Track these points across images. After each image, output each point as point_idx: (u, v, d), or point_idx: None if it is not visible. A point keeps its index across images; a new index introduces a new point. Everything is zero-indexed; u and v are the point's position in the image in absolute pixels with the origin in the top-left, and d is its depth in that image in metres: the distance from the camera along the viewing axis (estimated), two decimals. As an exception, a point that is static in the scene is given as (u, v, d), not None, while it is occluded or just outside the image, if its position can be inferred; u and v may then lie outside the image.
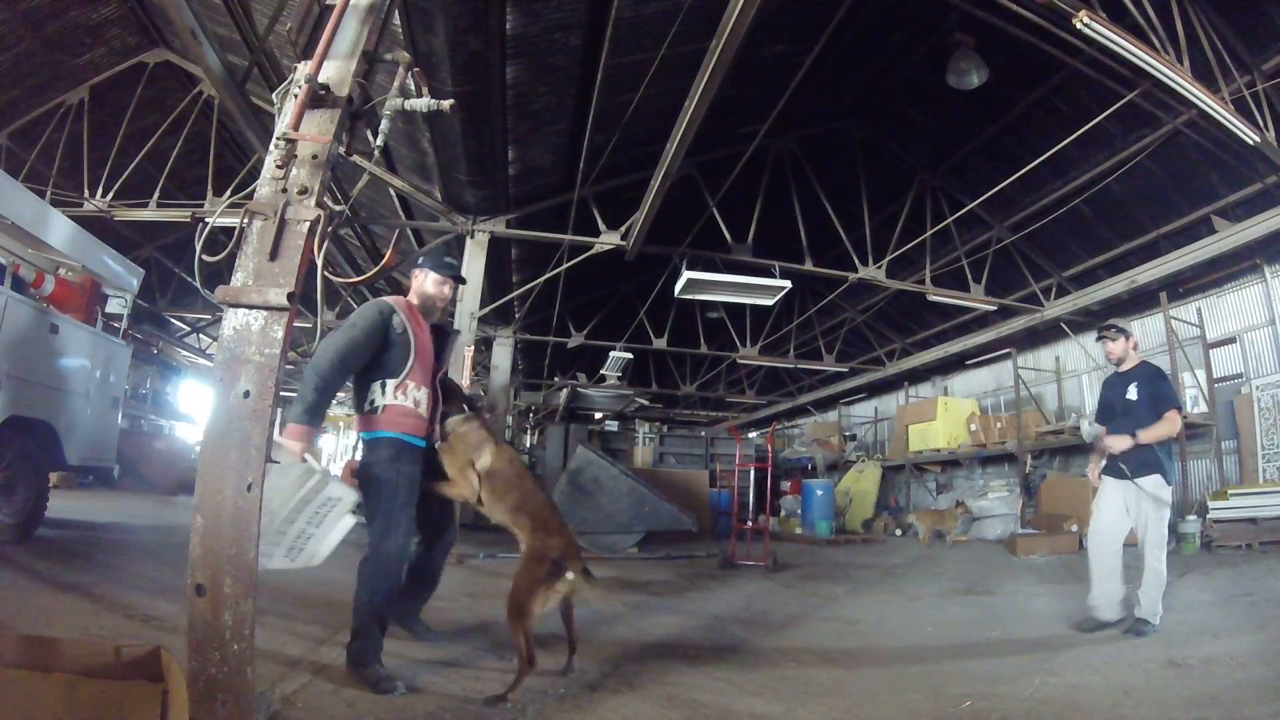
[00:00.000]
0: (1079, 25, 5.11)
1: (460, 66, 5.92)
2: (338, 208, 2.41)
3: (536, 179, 8.41)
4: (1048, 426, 10.85)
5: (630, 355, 14.38)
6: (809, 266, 9.59)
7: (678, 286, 9.07)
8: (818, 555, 9.10)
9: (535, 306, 11.96)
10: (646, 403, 17.87)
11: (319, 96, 2.32)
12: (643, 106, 6.81)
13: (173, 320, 15.86)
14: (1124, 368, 4.25)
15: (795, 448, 17.48)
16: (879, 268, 9.84)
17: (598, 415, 16.74)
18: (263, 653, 2.35)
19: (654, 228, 7.83)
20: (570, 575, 2.79)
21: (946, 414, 12.66)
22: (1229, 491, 7.37)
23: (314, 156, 2.28)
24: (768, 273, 9.37)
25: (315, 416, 2.66)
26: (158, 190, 8.97)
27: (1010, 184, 8.36)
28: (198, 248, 2.32)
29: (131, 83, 8.88)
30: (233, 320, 2.11)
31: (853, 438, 17.26)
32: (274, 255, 2.15)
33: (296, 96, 2.28)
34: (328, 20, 2.43)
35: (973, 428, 12.12)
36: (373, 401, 2.89)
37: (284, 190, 2.22)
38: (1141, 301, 9.82)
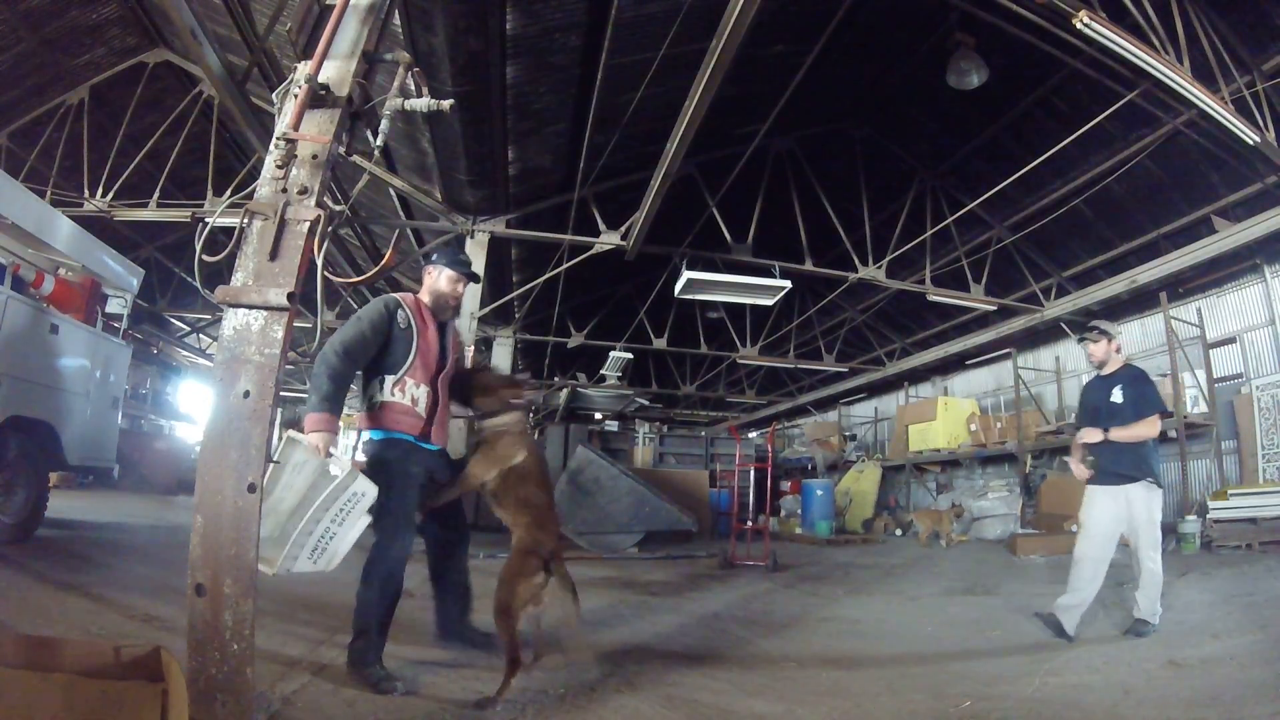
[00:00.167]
0: (1079, 25, 5.11)
1: (460, 66, 5.92)
2: (338, 208, 2.41)
3: (536, 179, 8.41)
4: (1048, 426, 10.85)
5: (630, 355, 14.39)
6: (809, 266, 9.59)
7: (678, 286, 9.07)
8: (818, 555, 9.10)
9: (535, 306, 11.97)
10: (646, 403, 17.87)
11: (319, 96, 2.33)
12: (643, 106, 6.81)
13: (173, 320, 15.86)
14: (1106, 371, 4.15)
15: (795, 448, 17.48)
16: (879, 268, 9.84)
17: (598, 415, 16.74)
18: (262, 653, 2.35)
19: (654, 228, 7.83)
20: (548, 577, 2.78)
21: (946, 414, 12.66)
22: (1229, 491, 7.36)
23: (314, 156, 2.28)
24: (768, 273, 9.37)
25: (334, 405, 2.66)
26: (158, 190, 8.98)
27: (1010, 184, 8.36)
28: (198, 248, 2.33)
29: (131, 83, 8.88)
30: (233, 320, 2.11)
31: (853, 438, 17.25)
32: (274, 255, 2.16)
33: (296, 96, 2.28)
34: (328, 20, 2.44)
35: (973, 428, 12.12)
36: (373, 398, 2.89)
37: (284, 190, 2.22)
38: (1141, 301, 9.83)
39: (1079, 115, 7.57)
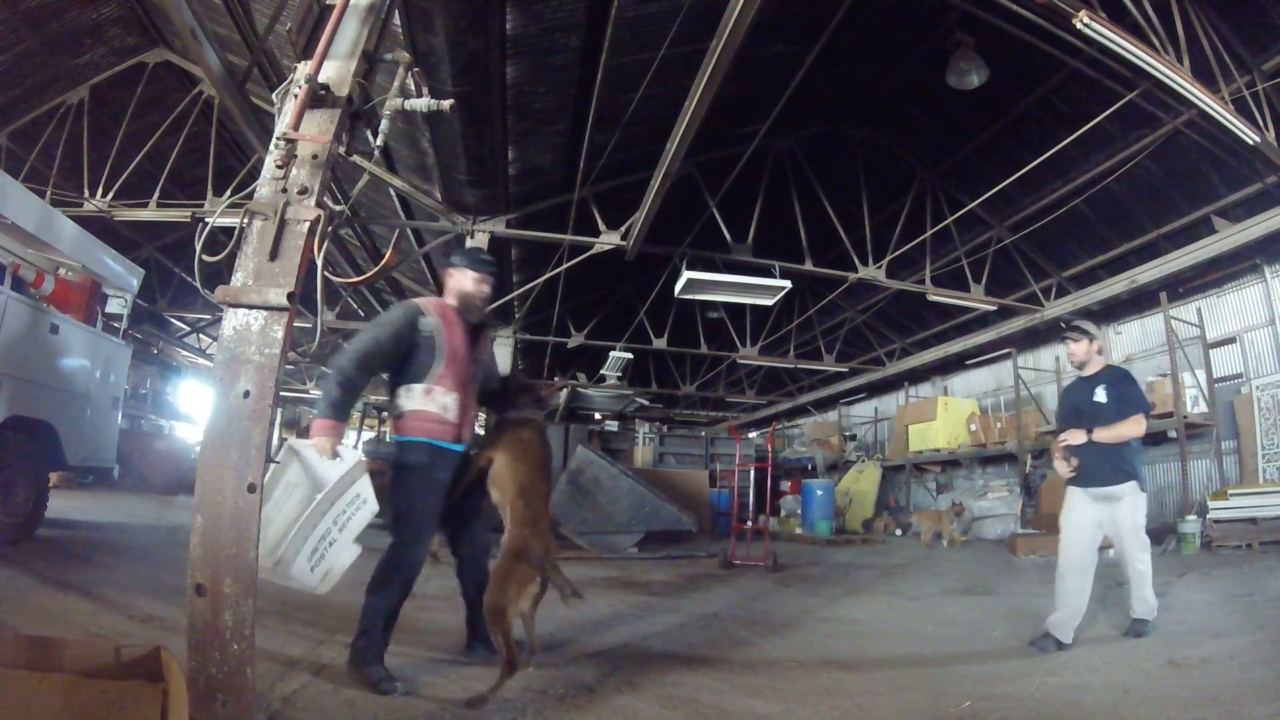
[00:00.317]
0: (1079, 25, 5.11)
1: (460, 66, 5.92)
2: (338, 208, 2.41)
3: (536, 179, 8.41)
4: (1048, 426, 10.84)
5: (630, 355, 14.38)
6: (809, 266, 9.59)
7: (678, 286, 9.07)
8: (818, 555, 9.10)
9: (535, 306, 11.96)
10: (646, 403, 17.86)
11: (319, 96, 2.32)
12: (643, 106, 6.81)
13: (173, 320, 15.86)
14: (1087, 371, 4.03)
15: (795, 448, 17.48)
16: (879, 268, 9.84)
17: (598, 415, 16.74)
18: (262, 653, 2.35)
19: (654, 228, 7.83)
20: (536, 585, 2.78)
21: (946, 414, 12.66)
22: (1229, 491, 7.36)
23: (314, 156, 2.28)
24: (768, 273, 9.37)
25: (340, 411, 2.66)
26: (158, 190, 8.98)
27: (1010, 184, 8.36)
28: (198, 248, 2.33)
29: (131, 83, 8.88)
30: (233, 320, 2.11)
31: (853, 438, 17.26)
32: (274, 255, 2.16)
33: (296, 96, 2.28)
34: (328, 20, 2.44)
35: (973, 428, 12.13)
36: (401, 406, 2.86)
37: (284, 190, 2.22)
38: (1141, 301, 9.82)
39: (1079, 115, 7.57)
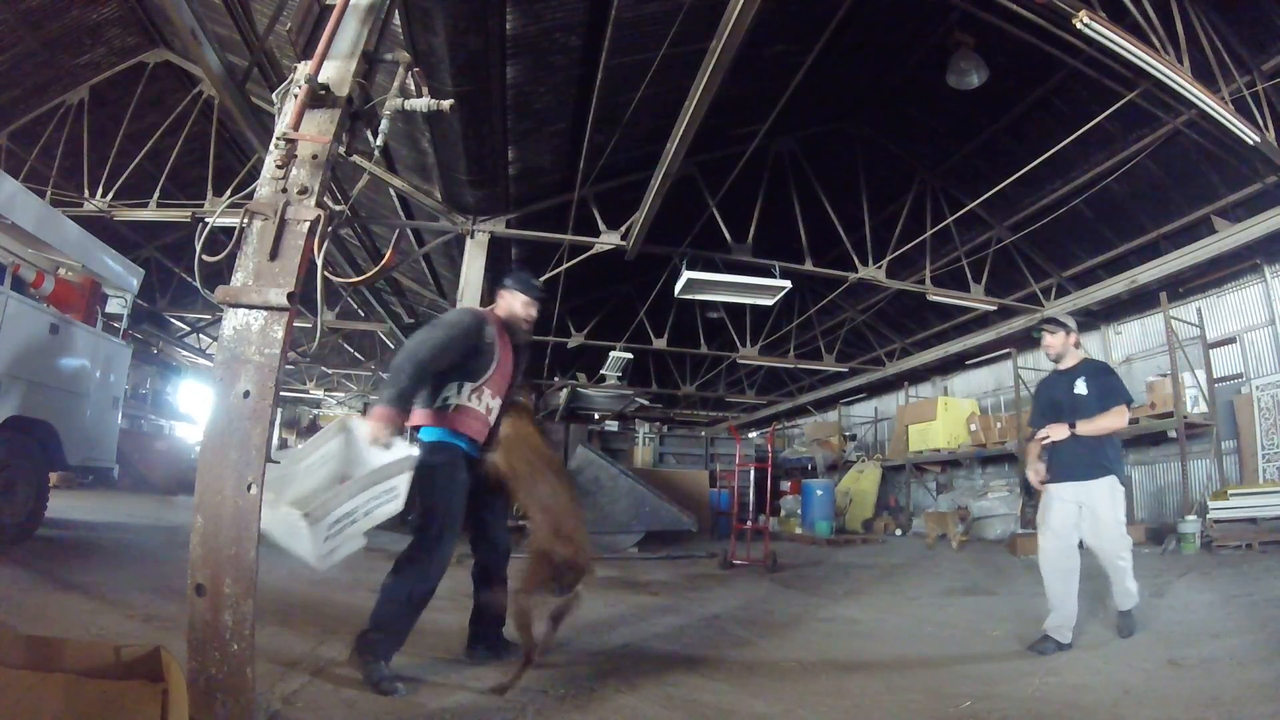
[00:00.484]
0: (1079, 25, 5.11)
1: (460, 66, 5.92)
2: (338, 208, 2.41)
3: (536, 179, 8.40)
4: (1048, 427, 10.83)
5: (630, 355, 14.38)
6: (809, 266, 9.58)
7: (678, 286, 9.07)
8: (818, 555, 9.10)
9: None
10: (646, 403, 17.87)
11: (319, 96, 2.32)
12: (643, 106, 6.80)
13: (173, 320, 15.86)
14: (1063, 365, 3.95)
15: (795, 448, 17.48)
16: (879, 268, 9.84)
17: (598, 415, 16.74)
18: (262, 653, 2.35)
19: (654, 228, 7.83)
20: (578, 589, 2.82)
21: (946, 414, 12.66)
22: (1229, 491, 7.36)
23: (314, 156, 2.28)
24: (768, 273, 9.37)
25: (405, 402, 2.70)
26: (158, 190, 8.97)
27: (1010, 184, 8.36)
28: (198, 248, 2.33)
29: (131, 83, 8.88)
30: (233, 320, 2.11)
31: (853, 438, 17.26)
32: (274, 255, 2.16)
33: (296, 96, 2.28)
34: (328, 20, 2.44)
35: (973, 428, 12.12)
36: (446, 399, 2.91)
37: (284, 190, 2.22)
38: (1141, 301, 9.82)
39: (1079, 115, 7.57)
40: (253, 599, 1.95)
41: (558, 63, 6.52)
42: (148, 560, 5.20)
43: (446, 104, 2.70)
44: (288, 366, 2.24)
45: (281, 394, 2.17)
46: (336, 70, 2.41)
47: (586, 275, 10.49)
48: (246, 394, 2.05)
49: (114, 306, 6.79)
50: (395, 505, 2.53)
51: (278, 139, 2.25)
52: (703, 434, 17.11)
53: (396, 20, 5.20)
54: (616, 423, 17.17)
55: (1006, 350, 12.07)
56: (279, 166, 2.24)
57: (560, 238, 8.79)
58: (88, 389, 5.95)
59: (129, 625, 3.20)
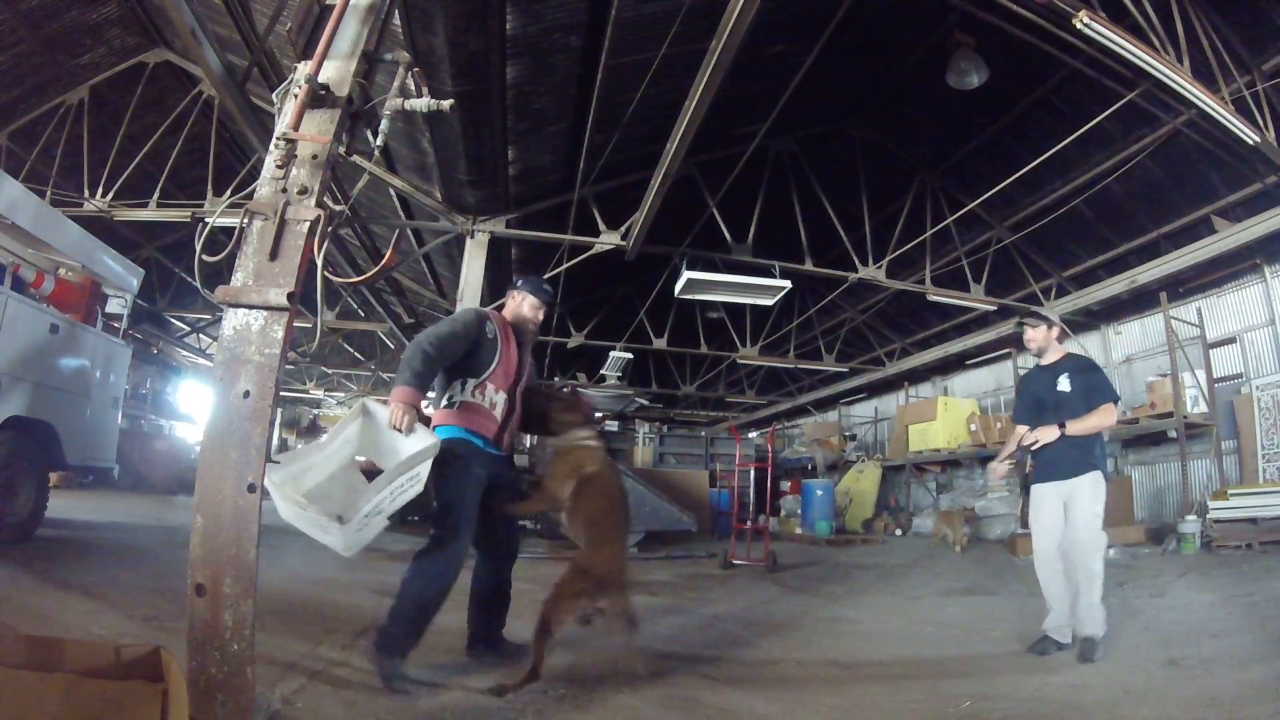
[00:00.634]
0: (1079, 25, 5.11)
1: (460, 66, 5.92)
2: (338, 208, 2.41)
3: (536, 179, 8.41)
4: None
5: (630, 355, 14.38)
6: (809, 266, 9.58)
7: (678, 286, 9.07)
8: (818, 555, 9.10)
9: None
10: (646, 403, 17.86)
11: (319, 96, 2.32)
12: (643, 106, 6.81)
13: (173, 320, 15.86)
14: (1046, 360, 3.83)
15: (795, 448, 17.47)
16: (879, 268, 9.84)
17: (598, 415, 16.73)
18: (262, 653, 2.35)
19: (654, 228, 7.83)
20: (601, 604, 2.85)
21: (946, 414, 12.65)
22: (1229, 491, 7.36)
23: (314, 156, 2.28)
24: (768, 273, 9.37)
25: (423, 382, 2.76)
26: (158, 190, 8.98)
27: (1010, 184, 8.37)
28: (198, 248, 2.33)
29: (131, 83, 8.88)
30: (233, 320, 2.11)
31: (853, 438, 17.26)
32: (274, 255, 2.16)
33: (296, 96, 2.28)
34: (328, 20, 2.43)
35: (973, 428, 12.11)
36: (451, 397, 2.98)
37: (284, 190, 2.22)
38: (1141, 301, 9.82)
39: (1079, 115, 7.57)
40: (253, 599, 1.95)
41: (558, 63, 6.52)
42: (148, 560, 5.20)
43: (446, 104, 2.70)
44: (288, 366, 2.24)
45: (281, 394, 2.17)
46: (336, 70, 2.41)
47: (586, 275, 10.50)
48: (246, 394, 2.05)
49: (114, 306, 6.79)
50: (417, 488, 2.56)
51: (278, 139, 2.25)
52: (703, 434, 17.09)
53: (396, 20, 5.20)
54: (616, 423, 17.17)
55: (1006, 350, 12.08)
56: (279, 166, 2.24)
57: (560, 238, 8.79)
58: (88, 389, 5.95)
59: (129, 625, 3.20)
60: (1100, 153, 8.65)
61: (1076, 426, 3.53)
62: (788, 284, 9.24)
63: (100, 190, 8.74)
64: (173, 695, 1.65)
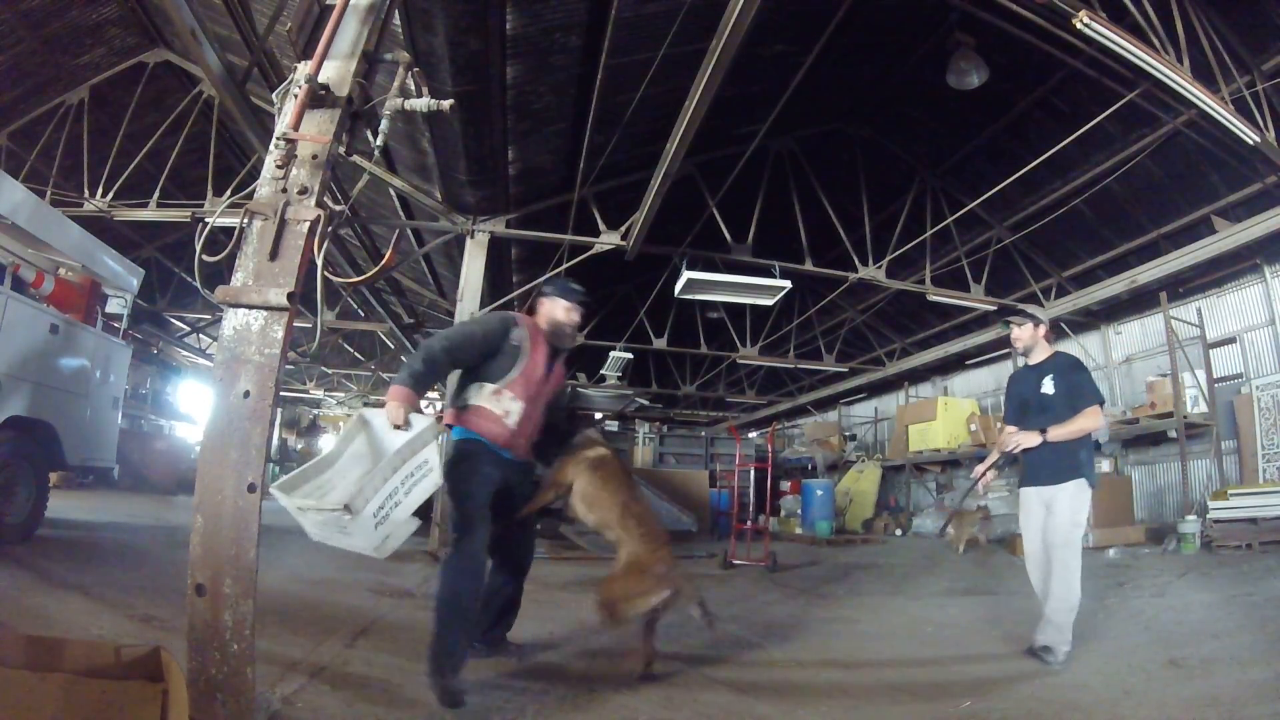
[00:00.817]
0: (1079, 25, 5.10)
1: (460, 66, 5.92)
2: (338, 208, 2.41)
3: (536, 179, 8.40)
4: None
5: (630, 355, 14.38)
6: (809, 266, 9.58)
7: (678, 286, 9.06)
8: (818, 555, 9.10)
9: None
10: (646, 403, 17.85)
11: (319, 96, 2.32)
12: (643, 106, 6.80)
13: (173, 320, 15.86)
14: (1033, 360, 3.74)
15: (795, 448, 17.47)
16: (879, 268, 9.83)
17: (598, 415, 16.74)
18: (262, 653, 2.35)
19: (654, 228, 7.83)
20: (668, 593, 2.92)
21: (946, 414, 12.66)
22: (1229, 491, 7.36)
23: (314, 156, 2.28)
24: (768, 273, 9.37)
25: (420, 384, 2.72)
26: (158, 190, 8.97)
27: (1010, 184, 8.35)
28: (198, 248, 2.33)
29: (131, 83, 8.88)
30: (233, 320, 2.11)
31: (853, 438, 17.26)
32: (274, 255, 2.16)
33: (296, 96, 2.28)
34: (328, 20, 2.43)
35: (973, 428, 12.11)
36: (466, 399, 2.93)
37: (284, 190, 2.22)
38: (1141, 301, 9.82)
39: (1079, 115, 7.57)
40: (253, 599, 1.96)
41: (558, 63, 6.52)
42: (148, 560, 5.20)
43: (446, 104, 2.70)
44: (288, 366, 2.24)
45: (281, 394, 2.17)
46: (336, 70, 2.41)
47: (586, 275, 10.45)
48: (246, 394, 2.05)
49: (114, 306, 6.79)
50: (433, 479, 2.55)
51: (278, 139, 2.25)
52: (703, 434, 17.10)
53: (396, 20, 5.20)
54: (616, 423, 17.17)
55: (1006, 350, 12.07)
56: (279, 166, 2.24)
57: (560, 238, 8.79)
58: (88, 389, 5.95)
59: (129, 625, 3.20)
60: (1100, 153, 8.65)
61: (1058, 432, 3.43)
62: (788, 284, 9.24)
63: (100, 190, 8.73)
64: (173, 695, 1.65)
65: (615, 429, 16.60)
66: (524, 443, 3.05)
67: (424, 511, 2.89)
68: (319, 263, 2.22)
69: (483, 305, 8.92)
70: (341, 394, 21.98)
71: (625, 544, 2.99)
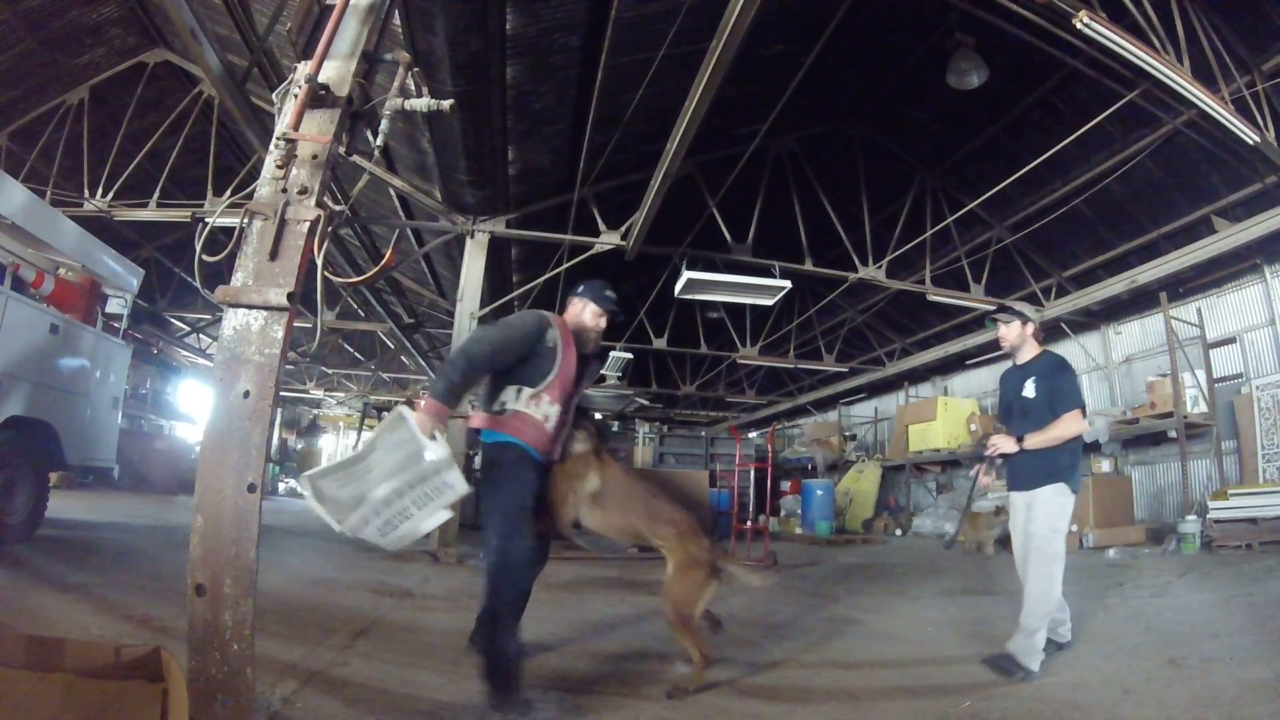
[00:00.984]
0: (1079, 25, 5.11)
1: (460, 66, 5.92)
2: (338, 208, 2.40)
3: (536, 179, 8.41)
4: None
5: (630, 355, 14.38)
6: (809, 266, 9.58)
7: (678, 286, 9.07)
8: (818, 555, 9.10)
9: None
10: (646, 403, 17.86)
11: (319, 96, 2.32)
12: (643, 106, 6.81)
13: (173, 320, 15.86)
14: (1020, 359, 3.62)
15: (795, 448, 17.48)
16: (879, 268, 9.83)
17: (598, 415, 16.75)
18: (262, 653, 2.35)
19: (654, 228, 7.83)
20: (723, 578, 2.96)
21: (946, 414, 12.66)
22: (1229, 491, 7.36)
23: (314, 156, 2.28)
24: (768, 273, 9.37)
25: (454, 398, 2.64)
26: (158, 190, 8.97)
27: (1010, 184, 8.35)
28: (198, 248, 2.33)
29: (131, 83, 8.88)
30: (233, 320, 2.11)
31: (853, 438, 17.26)
32: (274, 255, 2.16)
33: (296, 96, 2.28)
34: (328, 20, 2.43)
35: (973, 428, 12.12)
36: (503, 404, 2.81)
37: (284, 190, 2.22)
38: (1141, 301, 9.82)
39: (1079, 115, 7.56)
40: (253, 599, 1.96)
41: (558, 63, 6.52)
42: (148, 560, 5.20)
43: (446, 104, 2.69)
44: (288, 366, 2.23)
45: (281, 394, 2.17)
46: (336, 70, 2.41)
47: (586, 275, 10.45)
48: (246, 394, 2.05)
49: (114, 306, 6.79)
50: (456, 491, 2.50)
51: (278, 139, 2.25)
52: (703, 434, 17.11)
53: (396, 20, 5.20)
54: (616, 423, 17.18)
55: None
56: (279, 166, 2.24)
57: (560, 238, 8.79)
58: (88, 389, 5.95)
59: (129, 625, 3.20)
60: (1100, 153, 8.65)
61: (1035, 440, 3.32)
62: (788, 284, 9.24)
63: (100, 190, 8.74)
64: (173, 695, 1.65)
65: (615, 429, 16.60)
66: (556, 450, 2.97)
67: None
68: (319, 263, 2.21)
69: (482, 305, 8.93)
70: (341, 394, 21.98)
71: (667, 550, 2.95)
